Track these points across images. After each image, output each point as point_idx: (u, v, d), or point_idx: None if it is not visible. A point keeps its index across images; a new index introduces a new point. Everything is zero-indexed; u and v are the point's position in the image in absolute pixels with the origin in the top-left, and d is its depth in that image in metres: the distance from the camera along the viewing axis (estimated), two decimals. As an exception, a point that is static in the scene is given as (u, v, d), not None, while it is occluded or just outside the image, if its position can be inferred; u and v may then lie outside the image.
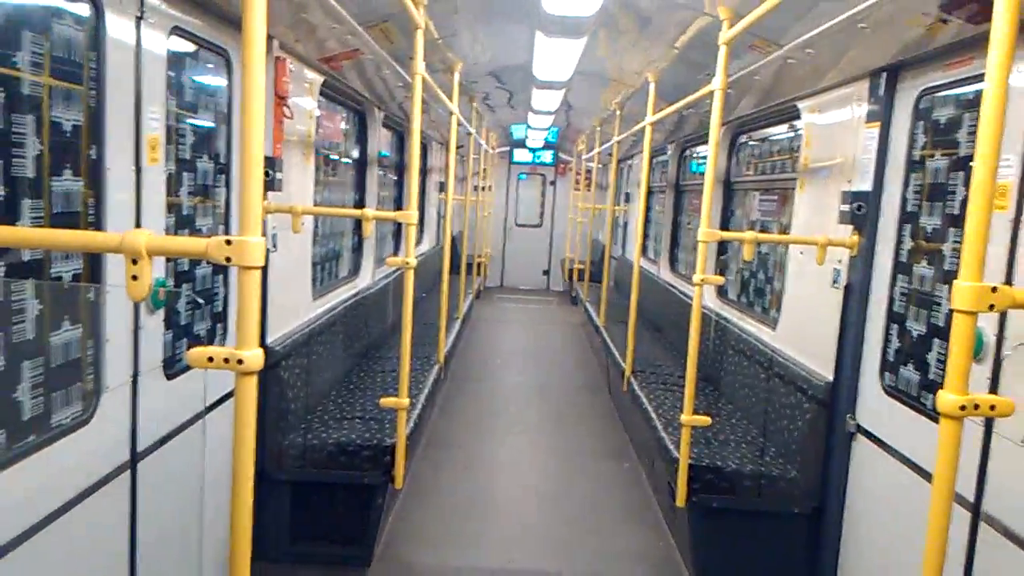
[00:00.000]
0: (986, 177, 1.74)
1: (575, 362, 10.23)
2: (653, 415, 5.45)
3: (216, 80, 3.66)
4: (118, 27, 2.71)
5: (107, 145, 2.68)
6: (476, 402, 8.02)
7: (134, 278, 1.67)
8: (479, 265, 13.64)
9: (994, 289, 1.73)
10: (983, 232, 1.75)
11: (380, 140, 7.16)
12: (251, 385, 1.69)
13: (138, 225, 2.90)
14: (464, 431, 7.04)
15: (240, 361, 1.67)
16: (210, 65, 3.60)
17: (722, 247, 6.98)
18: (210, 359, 1.68)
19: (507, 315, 13.68)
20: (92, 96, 2.64)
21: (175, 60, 3.23)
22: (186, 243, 1.74)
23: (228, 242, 1.62)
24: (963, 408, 1.77)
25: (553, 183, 16.85)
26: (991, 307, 1.74)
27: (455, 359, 9.42)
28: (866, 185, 3.91)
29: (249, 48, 1.60)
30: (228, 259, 1.62)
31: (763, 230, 6.06)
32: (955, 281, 1.76)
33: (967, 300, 1.74)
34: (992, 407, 1.80)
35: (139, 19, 2.82)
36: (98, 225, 2.70)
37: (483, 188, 13.98)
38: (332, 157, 6.19)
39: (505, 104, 10.35)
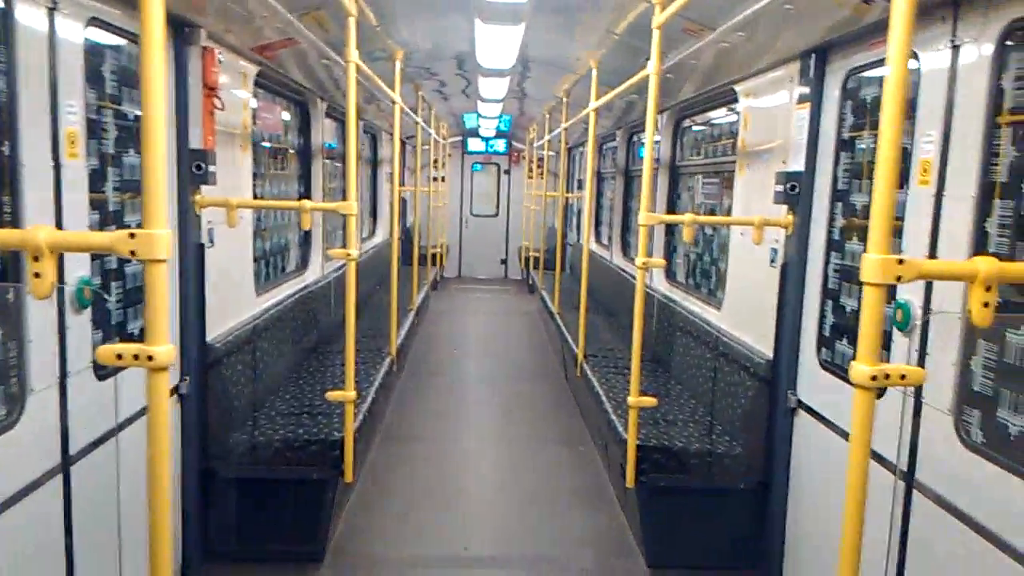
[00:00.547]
0: (891, 152, 1.79)
1: (531, 350, 10.26)
2: (604, 398, 5.50)
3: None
4: (29, 18, 2.62)
5: (21, 140, 2.59)
6: (432, 394, 8.00)
7: (36, 275, 1.63)
8: (435, 255, 13.57)
9: (900, 261, 1.78)
10: (890, 206, 1.79)
11: (325, 132, 7.07)
12: (162, 382, 1.66)
13: (59, 223, 2.82)
14: (420, 423, 7.01)
15: (151, 357, 1.62)
16: (134, 56, 3.50)
17: (670, 230, 7.05)
18: (119, 356, 1.64)
19: (464, 305, 13.65)
20: (3, 91, 2.55)
21: (95, 51, 3.13)
22: (89, 237, 1.69)
23: (132, 235, 1.58)
24: (874, 378, 1.81)
25: (508, 172, 16.84)
26: (899, 278, 1.78)
27: (411, 351, 9.37)
28: (799, 166, 3.98)
29: (147, 30, 1.56)
30: (133, 252, 1.58)
31: (710, 213, 6.13)
32: (863, 254, 1.80)
33: (875, 272, 1.78)
34: (903, 376, 1.85)
35: (52, 10, 2.72)
36: (16, 224, 2.61)
37: (437, 178, 13.90)
38: (276, 149, 6.09)
39: (458, 92, 10.30)
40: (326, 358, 6.31)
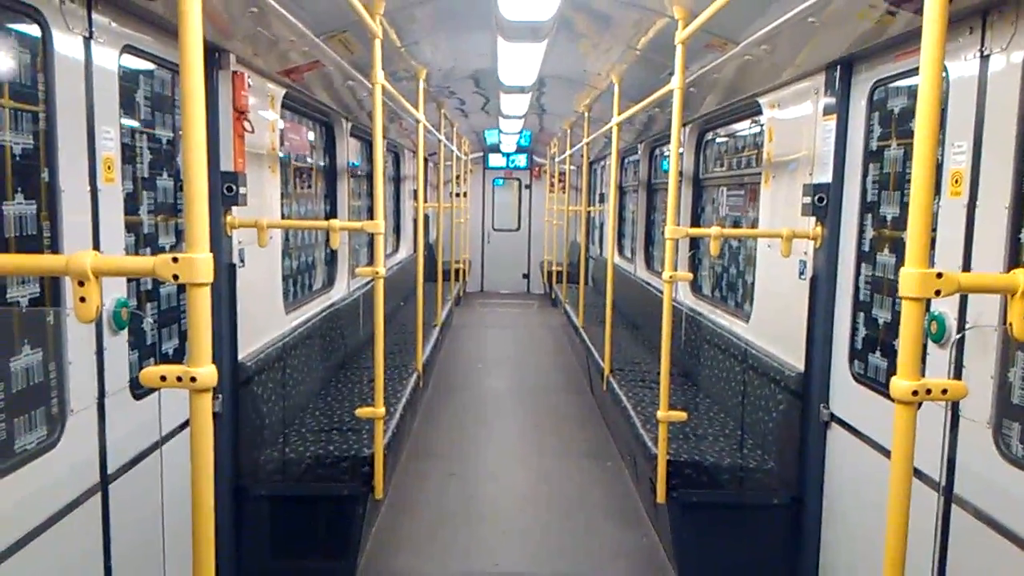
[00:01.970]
0: (927, 164, 1.77)
1: (556, 364, 10.24)
2: (632, 412, 5.47)
3: (173, 96, 3.64)
4: (67, 46, 2.69)
5: (60, 166, 2.65)
6: (458, 409, 8.01)
7: (82, 300, 1.66)
8: (458, 271, 13.62)
9: (939, 275, 1.76)
10: (927, 219, 1.78)
11: (349, 150, 7.15)
12: (206, 402, 1.68)
13: (96, 246, 2.88)
14: (447, 439, 7.02)
15: (194, 379, 1.65)
16: (166, 82, 3.58)
17: (695, 243, 7.03)
18: (163, 378, 1.66)
19: (488, 320, 13.67)
20: (43, 118, 2.61)
21: (128, 78, 3.20)
22: (133, 262, 1.73)
23: (175, 259, 1.61)
24: (915, 393, 1.79)
25: (528, 187, 16.89)
26: (937, 292, 1.77)
27: (436, 367, 9.40)
28: (826, 177, 3.95)
29: (187, 59, 1.60)
30: (176, 276, 1.61)
31: (735, 225, 6.11)
32: (902, 268, 1.78)
33: (914, 286, 1.76)
34: (944, 391, 1.83)
35: (88, 38, 2.79)
36: (55, 248, 2.67)
37: (459, 194, 13.98)
38: (302, 169, 6.17)
39: (479, 110, 10.37)
40: (353, 375, 6.35)
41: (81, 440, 2.81)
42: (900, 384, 1.80)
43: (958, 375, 2.91)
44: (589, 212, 12.11)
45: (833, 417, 3.99)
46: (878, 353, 3.67)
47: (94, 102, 2.84)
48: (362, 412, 4.43)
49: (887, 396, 3.50)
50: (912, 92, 3.45)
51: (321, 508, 4.42)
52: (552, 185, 14.96)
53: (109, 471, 2.97)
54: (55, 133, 2.64)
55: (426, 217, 12.79)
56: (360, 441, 4.66)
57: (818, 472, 4.10)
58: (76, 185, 2.75)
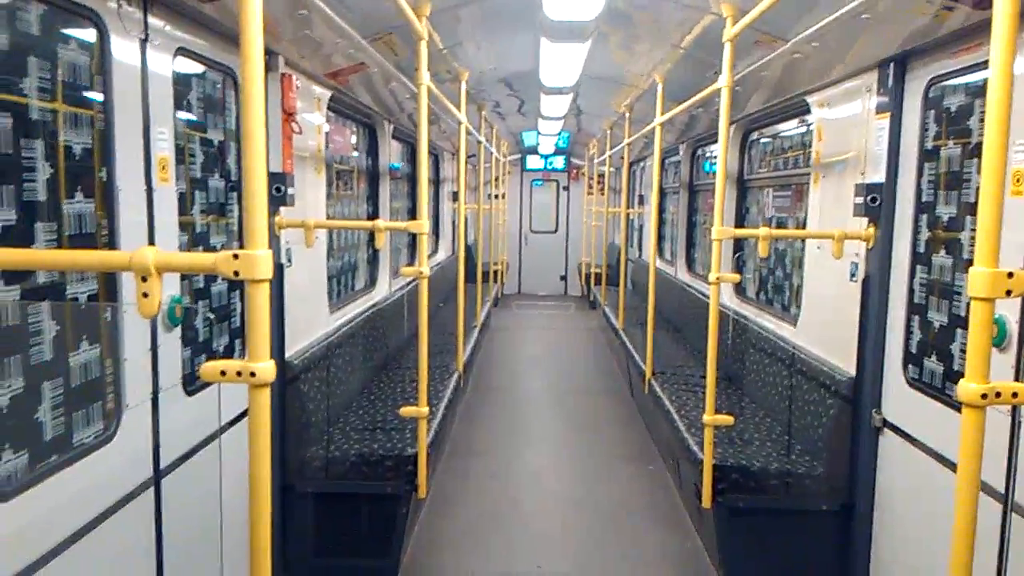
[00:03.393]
0: (996, 163, 1.71)
1: (595, 366, 10.19)
2: (675, 416, 5.41)
3: (224, 98, 3.70)
4: (123, 50, 2.75)
5: (117, 166, 2.71)
6: (498, 410, 8.01)
7: (144, 295, 1.69)
8: (496, 272, 13.64)
9: (1010, 275, 1.70)
10: (996, 218, 1.72)
11: (391, 152, 7.20)
12: (264, 397, 1.69)
13: (151, 244, 2.93)
14: (487, 439, 7.02)
15: (253, 374, 1.66)
16: (217, 84, 3.63)
17: (738, 245, 6.93)
18: (223, 372, 1.68)
19: (526, 321, 13.66)
20: (100, 119, 2.67)
21: (182, 80, 3.26)
22: (194, 259, 1.75)
23: (235, 256, 1.63)
24: (984, 397, 1.73)
25: (567, 188, 16.84)
26: (1008, 292, 1.71)
27: (475, 367, 9.42)
28: (879, 177, 3.86)
29: (248, 64, 1.61)
30: (236, 273, 1.63)
31: (780, 226, 6.00)
32: (971, 268, 1.73)
33: (983, 286, 1.71)
34: (1014, 394, 1.77)
35: (144, 41, 2.85)
36: (112, 245, 2.73)
37: (497, 196, 14.00)
38: (345, 171, 6.23)
39: (515, 112, 10.38)
40: (396, 374, 6.39)
41: (135, 435, 2.87)
42: (968, 387, 1.74)
43: (1017, 379, 2.82)
44: (628, 214, 12.03)
45: (885, 423, 3.89)
46: (934, 357, 3.57)
47: (149, 104, 2.90)
48: (406, 411, 4.45)
49: (943, 401, 3.42)
50: (970, 89, 3.35)
51: (365, 506, 4.45)
52: (591, 187, 14.90)
53: (161, 466, 3.03)
54: (112, 133, 2.70)
55: (465, 219, 12.84)
56: (403, 440, 4.68)
57: (869, 479, 4.00)
58: (132, 185, 2.81)
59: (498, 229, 14.47)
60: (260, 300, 1.67)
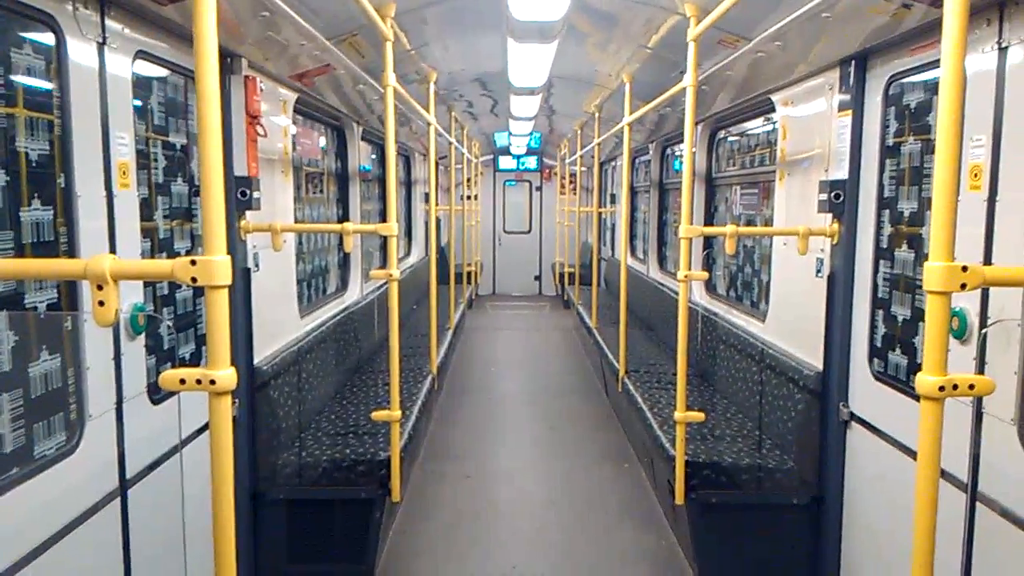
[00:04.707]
0: (950, 158, 1.74)
1: (570, 366, 10.21)
2: (648, 414, 5.44)
3: (187, 101, 3.65)
4: (80, 53, 2.70)
5: (76, 172, 2.66)
6: (473, 412, 7.99)
7: (100, 304, 1.66)
8: (469, 274, 13.62)
9: (964, 268, 1.73)
10: (951, 212, 1.75)
11: (361, 154, 7.15)
12: (225, 405, 1.67)
13: (112, 251, 2.88)
14: (462, 441, 7.01)
15: (213, 382, 1.64)
16: (179, 87, 3.59)
17: (708, 243, 6.99)
18: (182, 381, 1.66)
19: (500, 322, 13.66)
20: (59, 124, 2.62)
21: (142, 84, 3.21)
22: (151, 266, 1.73)
23: (193, 263, 1.61)
24: (942, 389, 1.76)
25: (539, 188, 16.88)
26: (963, 286, 1.74)
27: (449, 369, 9.39)
28: (842, 173, 3.92)
29: (202, 62, 1.59)
30: (194, 279, 1.61)
31: (748, 224, 6.07)
32: (926, 262, 1.76)
33: (939, 280, 1.74)
34: (971, 386, 1.80)
35: (101, 44, 2.80)
36: (71, 253, 2.68)
37: (470, 196, 13.98)
38: (314, 173, 6.18)
39: (488, 112, 10.37)
40: (368, 378, 6.35)
41: (100, 445, 2.82)
42: (926, 380, 1.77)
43: (980, 372, 2.87)
44: (600, 213, 12.08)
45: (853, 416, 3.95)
46: (898, 351, 3.63)
47: (108, 108, 2.85)
48: (378, 415, 4.43)
49: (908, 394, 3.48)
50: (928, 86, 3.41)
51: (338, 511, 4.41)
52: (563, 187, 14.94)
53: (127, 476, 2.98)
54: (70, 139, 2.65)
55: (437, 220, 12.81)
56: (376, 444, 4.66)
57: (838, 472, 4.06)
58: (92, 191, 2.76)
59: (471, 230, 14.45)
60: (220, 306, 1.65)
